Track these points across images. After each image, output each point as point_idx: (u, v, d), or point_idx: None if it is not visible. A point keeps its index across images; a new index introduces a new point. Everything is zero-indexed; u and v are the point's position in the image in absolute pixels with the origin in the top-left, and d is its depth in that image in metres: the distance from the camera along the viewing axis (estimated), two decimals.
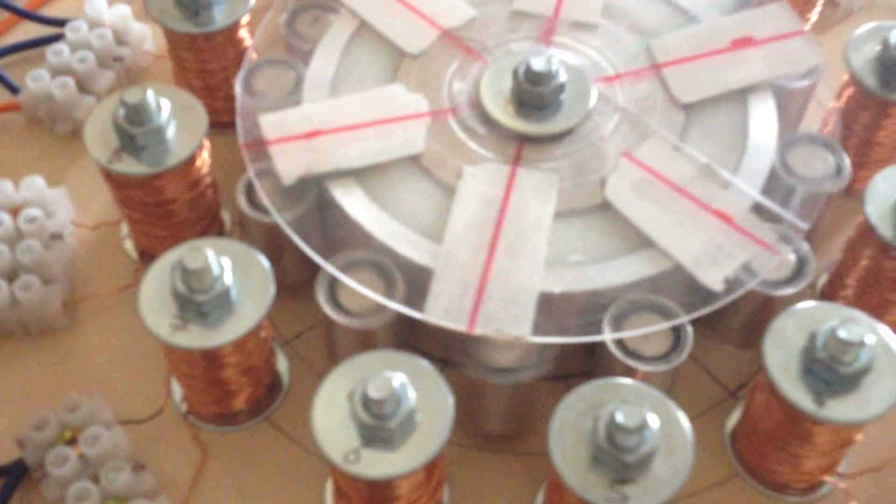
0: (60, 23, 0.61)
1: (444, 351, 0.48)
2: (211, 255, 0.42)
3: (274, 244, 0.48)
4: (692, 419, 0.47)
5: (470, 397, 0.45)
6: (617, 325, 0.44)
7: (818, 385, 0.41)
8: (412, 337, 0.48)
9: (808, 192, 0.48)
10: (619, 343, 0.44)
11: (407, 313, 0.44)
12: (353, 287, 0.44)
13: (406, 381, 0.39)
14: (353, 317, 0.45)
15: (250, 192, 0.49)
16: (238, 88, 0.50)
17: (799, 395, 0.41)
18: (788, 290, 0.46)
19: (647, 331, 0.44)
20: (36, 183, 0.53)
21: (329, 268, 0.45)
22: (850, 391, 0.41)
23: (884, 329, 0.42)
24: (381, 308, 0.44)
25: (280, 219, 0.46)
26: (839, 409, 0.40)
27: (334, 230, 0.48)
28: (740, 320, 0.48)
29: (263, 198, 0.47)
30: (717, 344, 0.50)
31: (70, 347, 0.51)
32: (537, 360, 0.44)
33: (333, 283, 0.45)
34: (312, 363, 0.50)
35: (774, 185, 0.48)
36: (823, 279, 0.52)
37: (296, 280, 0.50)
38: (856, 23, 0.63)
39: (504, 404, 0.46)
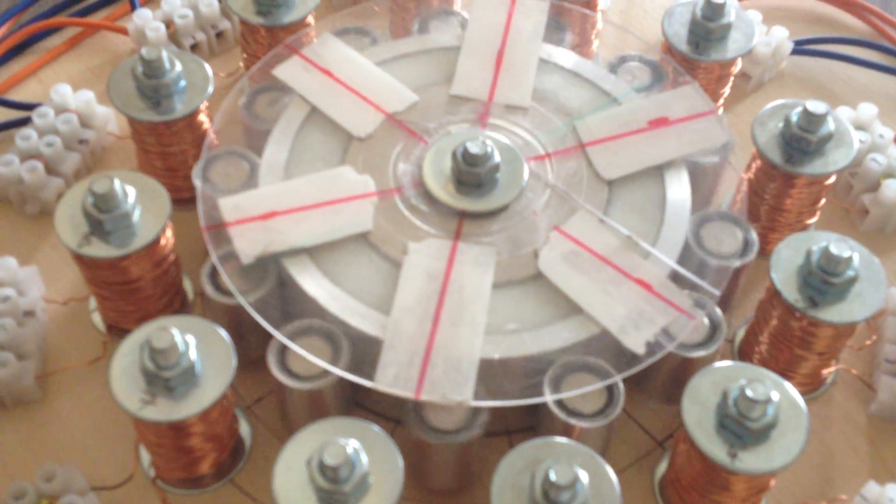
0: (27, 107, 0.64)
1: (391, 410, 0.51)
2: (176, 333, 0.45)
3: (237, 322, 0.50)
4: (625, 468, 0.51)
5: (417, 455, 0.48)
6: (556, 386, 0.47)
7: (731, 438, 0.44)
8: (361, 397, 0.50)
9: (718, 265, 0.51)
10: (559, 402, 0.47)
11: (359, 382, 0.46)
12: (301, 354, 0.47)
13: (359, 446, 0.42)
14: (303, 380, 0.47)
15: (214, 273, 0.51)
16: (197, 179, 0.53)
17: (714, 448, 0.44)
18: (702, 353, 0.49)
19: (584, 391, 0.47)
20: (9, 263, 0.55)
21: (279, 336, 0.47)
22: (759, 443, 0.44)
23: (788, 386, 0.45)
24: (327, 372, 0.47)
25: (243, 300, 0.48)
26: (750, 461, 0.44)
27: (291, 305, 0.50)
28: (663, 379, 0.51)
29: (226, 281, 0.49)
30: (645, 400, 0.53)
31: (43, 418, 0.53)
32: (476, 420, 0.46)
33: (284, 350, 0.48)
34: (272, 426, 0.52)
35: (690, 254, 0.51)
36: (741, 335, 0.56)
37: (259, 354, 0.52)
38: (767, 93, 0.68)
39: (447, 462, 0.48)
